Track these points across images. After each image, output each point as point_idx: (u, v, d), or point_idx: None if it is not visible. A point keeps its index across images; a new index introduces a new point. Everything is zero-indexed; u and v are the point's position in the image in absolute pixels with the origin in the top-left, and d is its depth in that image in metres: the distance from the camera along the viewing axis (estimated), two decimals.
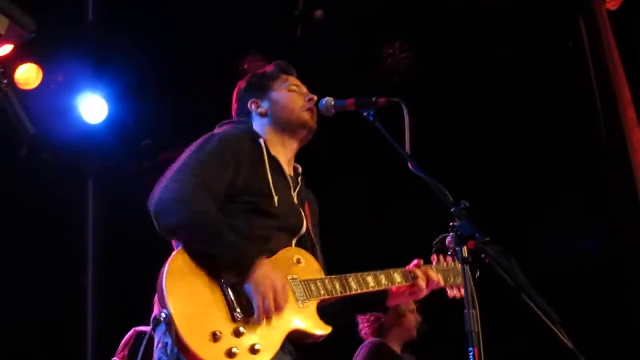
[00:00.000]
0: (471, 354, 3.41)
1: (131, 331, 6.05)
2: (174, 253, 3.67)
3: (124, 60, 8.46)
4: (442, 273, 4.43)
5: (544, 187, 8.07)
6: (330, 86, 4.45)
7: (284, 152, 4.27)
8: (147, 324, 6.05)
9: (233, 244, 3.66)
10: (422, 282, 4.29)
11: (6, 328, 7.84)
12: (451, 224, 3.88)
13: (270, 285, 3.62)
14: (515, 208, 7.95)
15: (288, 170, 4.26)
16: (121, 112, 8.71)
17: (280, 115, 4.29)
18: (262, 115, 4.32)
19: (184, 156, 3.95)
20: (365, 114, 4.14)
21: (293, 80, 4.42)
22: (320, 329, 3.89)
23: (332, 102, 4.28)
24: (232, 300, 3.62)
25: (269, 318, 3.63)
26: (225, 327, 3.56)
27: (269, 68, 4.48)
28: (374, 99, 4.15)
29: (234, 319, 3.59)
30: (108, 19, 8.53)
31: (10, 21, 2.41)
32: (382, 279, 4.20)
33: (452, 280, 4.51)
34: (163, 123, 8.87)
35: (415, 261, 4.40)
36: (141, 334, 5.96)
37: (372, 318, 7.04)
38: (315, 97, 4.34)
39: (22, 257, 8.14)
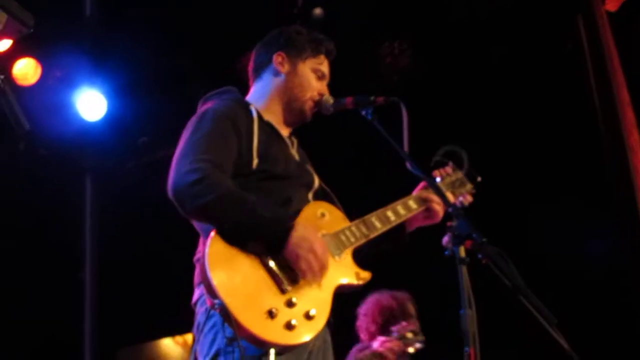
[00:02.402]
0: (467, 354, 3.41)
1: None
2: (209, 239, 3.65)
3: (123, 57, 8.45)
4: (449, 188, 4.49)
5: (543, 188, 8.07)
6: (329, 84, 4.44)
7: (278, 117, 4.28)
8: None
9: (264, 213, 3.68)
10: (436, 205, 4.34)
11: (2, 325, 7.84)
12: (448, 224, 3.90)
13: (309, 247, 3.67)
14: (513, 209, 7.94)
15: (284, 131, 4.27)
16: (120, 109, 8.69)
17: (292, 88, 4.30)
18: (278, 73, 4.32)
19: (185, 138, 3.95)
20: (363, 112, 4.14)
21: (326, 66, 4.41)
22: (363, 276, 3.99)
23: (331, 101, 4.30)
24: (277, 274, 3.66)
25: (315, 280, 3.69)
26: (278, 301, 3.62)
27: (318, 38, 4.44)
28: (372, 97, 4.15)
29: (283, 292, 3.65)
30: (106, 14, 8.52)
31: (8, 16, 2.40)
32: (400, 209, 4.27)
33: (459, 191, 4.59)
34: (161, 120, 8.85)
35: (422, 183, 4.44)
36: None
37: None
38: (327, 96, 4.34)
39: (20, 253, 8.14)
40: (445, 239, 3.79)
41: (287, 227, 3.68)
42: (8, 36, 2.53)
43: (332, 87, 4.43)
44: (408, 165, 3.90)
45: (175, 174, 3.77)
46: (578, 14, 7.87)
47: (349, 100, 4.23)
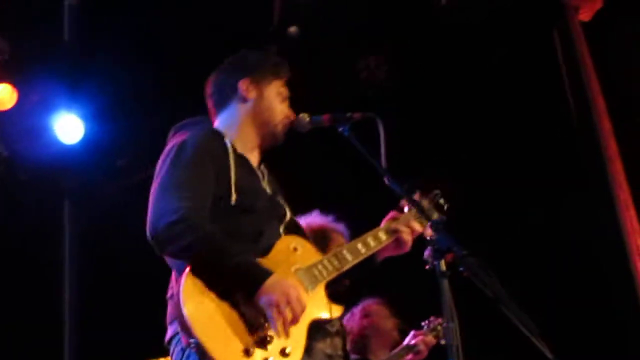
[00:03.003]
0: None
1: None
2: (183, 278, 3.63)
3: (100, 80, 8.42)
4: (417, 218, 4.43)
5: (521, 199, 8.07)
6: (306, 102, 4.44)
7: (250, 145, 4.26)
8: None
9: (240, 263, 3.66)
10: (405, 236, 4.33)
11: None
12: (429, 238, 3.91)
13: (283, 294, 3.63)
14: (490, 219, 7.95)
15: (255, 162, 4.25)
16: (97, 132, 8.66)
17: (261, 113, 4.27)
18: (245, 100, 4.28)
19: (163, 173, 3.91)
20: (340, 129, 4.14)
21: (286, 89, 4.38)
22: (335, 311, 3.99)
23: (308, 118, 4.29)
24: (249, 312, 3.64)
25: (286, 329, 3.64)
26: (253, 339, 3.60)
27: (278, 62, 4.44)
28: (349, 114, 4.15)
29: (259, 329, 3.63)
30: (83, 38, 8.51)
31: None
32: (371, 242, 4.25)
33: (426, 220, 4.51)
34: (139, 142, 8.84)
35: (390, 214, 4.44)
36: None
37: (355, 332, 7.03)
38: (294, 117, 4.33)
39: None
40: (427, 253, 3.80)
41: (261, 279, 3.64)
42: None
43: (308, 104, 4.43)
44: (386, 180, 3.90)
45: (154, 214, 3.74)
46: (553, 24, 7.93)
47: (325, 118, 4.23)
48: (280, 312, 3.60)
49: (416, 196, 4.35)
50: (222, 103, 4.34)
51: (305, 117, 4.29)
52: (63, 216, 9.23)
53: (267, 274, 3.66)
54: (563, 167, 7.94)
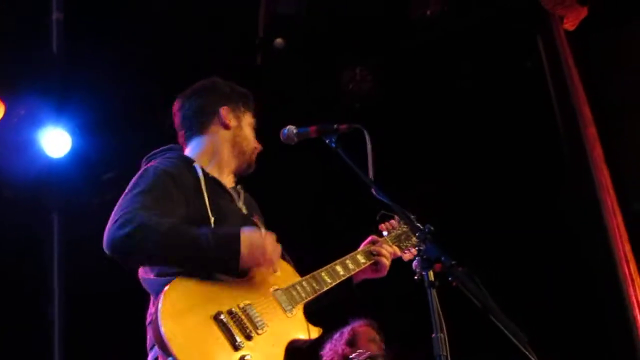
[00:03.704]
0: None
1: None
2: (160, 299, 3.62)
3: (87, 94, 8.42)
4: (395, 242, 4.51)
5: (507, 207, 8.08)
6: (292, 114, 4.47)
7: (226, 169, 4.31)
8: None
9: (210, 236, 3.70)
10: (383, 259, 4.39)
11: None
12: (417, 248, 3.92)
13: (258, 243, 3.74)
14: (477, 227, 7.95)
15: (229, 183, 4.28)
16: (84, 146, 8.65)
17: (240, 142, 4.34)
18: (226, 127, 4.33)
19: (121, 198, 3.90)
20: (327, 140, 4.16)
21: (253, 120, 4.46)
22: (313, 332, 3.99)
23: (295, 130, 4.30)
24: (230, 329, 3.64)
25: (275, 266, 3.81)
26: (231, 356, 3.60)
27: (248, 94, 4.49)
28: (335, 125, 4.17)
29: (236, 348, 3.63)
30: (71, 52, 8.50)
31: None
32: (349, 264, 4.29)
33: (404, 244, 4.58)
34: (126, 156, 8.82)
35: (369, 237, 4.49)
36: None
37: (339, 353, 7.04)
38: (291, 126, 4.35)
39: None
40: (415, 263, 3.81)
41: (237, 242, 3.71)
42: None
43: (295, 116, 4.45)
44: (373, 191, 3.90)
45: (109, 231, 3.72)
46: (537, 33, 7.97)
47: (312, 129, 4.24)
48: (265, 259, 3.76)
49: (394, 222, 4.47)
50: (199, 129, 4.35)
51: (292, 129, 4.30)
52: (52, 230, 9.20)
53: (237, 241, 3.72)
54: (549, 174, 7.96)
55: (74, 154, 8.57)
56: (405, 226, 4.49)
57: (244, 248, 3.70)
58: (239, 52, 8.17)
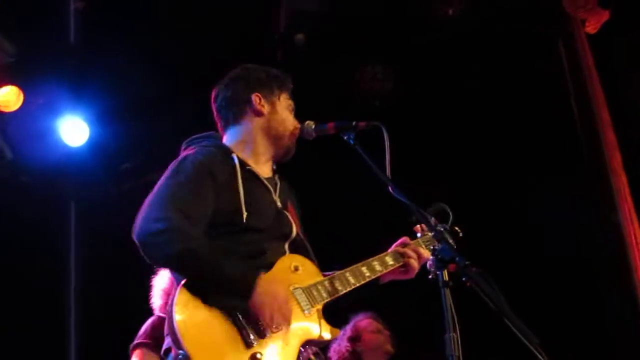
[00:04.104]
0: None
1: (155, 316, 5.95)
2: (177, 290, 3.65)
3: (105, 83, 8.44)
4: (428, 245, 4.40)
5: (524, 209, 8.05)
6: (311, 109, 4.45)
7: (263, 157, 4.27)
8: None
9: (225, 270, 3.67)
10: (413, 262, 4.27)
11: None
12: (432, 247, 3.91)
13: (273, 299, 3.64)
14: (491, 231, 7.93)
15: (266, 173, 4.25)
16: (102, 135, 8.68)
17: (276, 127, 4.27)
18: (259, 114, 4.27)
19: (159, 184, 3.92)
20: (345, 137, 4.14)
21: (291, 100, 4.40)
22: (329, 333, 3.95)
23: (313, 126, 4.27)
24: (244, 327, 3.63)
25: (278, 331, 3.66)
26: (243, 356, 3.60)
27: (283, 76, 4.44)
28: (354, 123, 4.14)
29: (248, 346, 3.62)
30: (89, 41, 8.53)
31: None
32: (376, 265, 4.21)
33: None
34: (143, 146, 8.86)
35: (401, 239, 4.39)
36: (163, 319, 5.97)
37: (343, 351, 7.03)
38: (309, 121, 4.32)
39: (4, 281, 8.10)
40: (429, 263, 3.80)
41: (250, 282, 3.66)
42: None
43: (314, 112, 4.44)
44: (390, 189, 3.89)
45: (143, 220, 3.74)
46: (559, 36, 7.94)
47: (330, 126, 4.21)
48: (273, 319, 3.63)
49: (432, 221, 4.21)
50: (233, 118, 4.31)
51: (310, 124, 4.28)
52: (69, 218, 9.24)
53: (255, 278, 3.67)
54: (567, 178, 7.93)
55: (91, 143, 8.61)
56: (440, 229, 4.40)
57: (259, 287, 3.66)
58: (259, 47, 8.17)
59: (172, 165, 4.00)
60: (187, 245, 3.66)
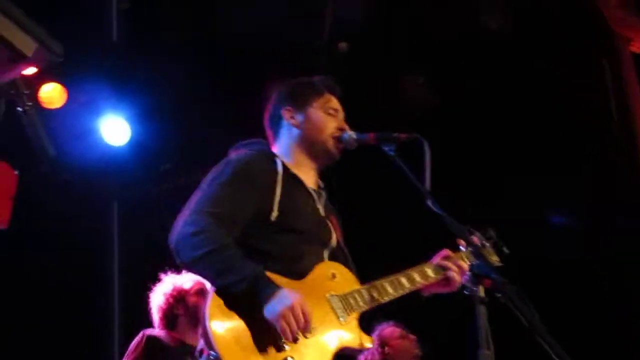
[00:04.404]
0: None
1: (140, 334, 6.11)
2: (211, 292, 3.68)
3: (147, 82, 8.50)
4: (469, 258, 4.33)
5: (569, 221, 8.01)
6: (351, 118, 4.45)
7: (305, 168, 4.28)
8: None
9: (247, 276, 3.65)
10: (454, 275, 4.23)
11: (26, 352, 7.84)
12: (469, 263, 3.90)
13: (288, 306, 3.61)
14: (534, 247, 7.89)
15: (312, 184, 4.27)
16: (143, 135, 8.73)
17: (310, 134, 4.29)
18: (293, 126, 4.31)
19: (201, 187, 3.97)
20: (386, 148, 4.13)
21: (334, 102, 4.40)
22: (365, 342, 3.93)
23: (354, 136, 4.27)
24: (276, 329, 3.62)
25: (295, 340, 3.62)
26: (274, 356, 3.61)
27: (317, 81, 4.45)
28: (395, 134, 4.14)
29: (279, 349, 3.63)
30: (132, 40, 8.59)
31: (38, 45, 2.44)
32: (416, 277, 4.20)
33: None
34: (184, 146, 8.90)
35: (443, 251, 4.36)
36: (151, 337, 6.10)
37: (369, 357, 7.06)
38: (347, 129, 4.33)
39: (48, 277, 8.16)
40: (465, 278, 3.78)
41: (268, 292, 3.64)
42: (35, 64, 2.55)
43: (355, 121, 4.44)
44: (429, 202, 3.87)
45: (180, 223, 3.80)
46: (603, 54, 7.90)
47: (371, 136, 4.21)
48: (289, 325, 3.59)
49: (475, 238, 4.22)
50: (274, 135, 4.39)
51: (352, 134, 4.29)
52: (111, 218, 9.30)
53: (273, 288, 3.66)
54: (607, 194, 7.89)
55: (133, 142, 8.66)
56: (487, 243, 4.36)
57: (275, 296, 3.64)
58: (302, 53, 8.18)
59: (216, 168, 4.05)
60: (213, 246, 3.68)
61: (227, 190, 3.90)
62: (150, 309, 6.39)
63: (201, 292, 6.26)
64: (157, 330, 6.26)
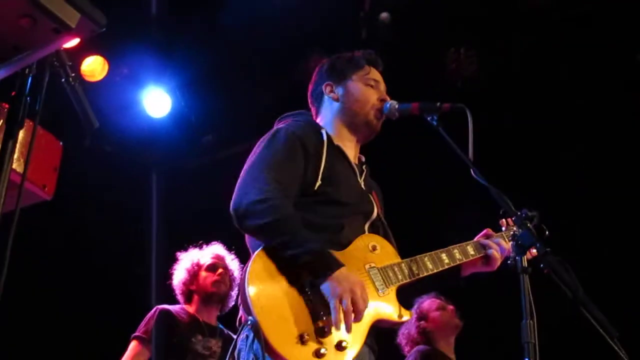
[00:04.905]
0: None
1: (154, 309, 6.21)
2: (253, 257, 3.70)
3: (188, 55, 8.52)
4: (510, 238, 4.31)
5: (612, 200, 7.94)
6: (394, 89, 4.44)
7: (348, 142, 4.30)
8: None
9: (314, 249, 3.67)
10: (495, 253, 4.25)
11: (69, 318, 7.94)
12: (512, 233, 3.87)
13: (349, 288, 3.61)
14: (576, 214, 7.84)
15: (353, 158, 4.28)
16: (184, 107, 8.76)
17: (350, 106, 4.31)
18: (334, 100, 4.35)
19: (255, 154, 3.99)
20: (429, 118, 4.12)
21: (375, 74, 4.41)
22: (403, 315, 3.93)
23: (397, 106, 4.26)
24: (311, 301, 3.64)
25: (347, 322, 3.61)
26: (311, 327, 3.61)
27: (357, 54, 4.46)
28: (438, 104, 4.12)
29: (318, 318, 3.63)
30: (172, 13, 8.61)
31: (81, 15, 2.44)
32: (456, 254, 4.20)
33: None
34: (224, 119, 8.92)
35: (485, 231, 4.39)
36: (162, 311, 6.24)
37: (413, 334, 7.06)
38: (389, 99, 4.34)
39: (87, 248, 8.25)
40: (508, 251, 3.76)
41: (331, 268, 3.65)
42: (79, 35, 2.56)
43: (397, 92, 4.42)
44: (472, 172, 3.85)
45: (241, 189, 3.83)
46: None
47: (414, 106, 4.20)
48: (342, 304, 3.58)
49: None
50: (317, 110, 4.43)
51: (394, 104, 4.28)
52: (150, 188, 9.38)
53: (338, 265, 3.67)
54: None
55: (174, 114, 8.70)
56: (528, 224, 4.32)
57: (337, 273, 3.64)
58: (343, 25, 8.15)
59: (266, 137, 4.07)
60: (279, 216, 3.70)
61: (283, 158, 3.93)
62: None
63: (212, 268, 6.37)
64: (173, 305, 6.37)
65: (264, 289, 3.63)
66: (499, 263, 4.28)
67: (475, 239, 4.35)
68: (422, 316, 7.04)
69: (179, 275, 6.49)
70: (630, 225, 7.78)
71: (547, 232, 3.79)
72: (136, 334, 6.24)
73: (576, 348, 6.89)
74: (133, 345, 6.23)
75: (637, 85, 7.82)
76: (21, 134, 2.65)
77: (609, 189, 7.93)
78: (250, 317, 3.55)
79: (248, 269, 3.65)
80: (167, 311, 6.26)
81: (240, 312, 3.79)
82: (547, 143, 8.15)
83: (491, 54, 8.22)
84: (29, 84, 2.68)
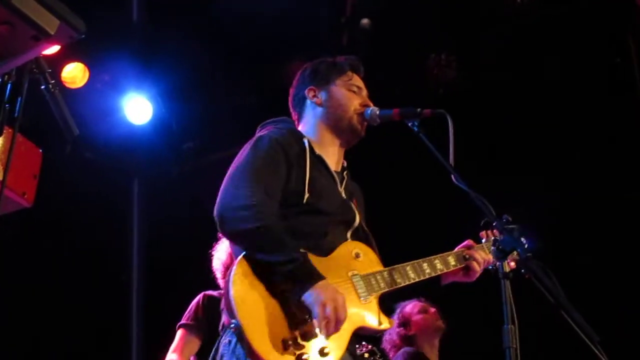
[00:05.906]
0: None
1: (200, 295, 6.09)
2: (236, 262, 3.70)
3: (169, 62, 8.51)
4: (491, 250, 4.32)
5: (589, 206, 7.96)
6: (375, 95, 4.44)
7: (331, 148, 4.30)
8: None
9: (296, 258, 3.68)
10: (475, 265, 4.29)
11: (49, 326, 7.90)
12: (493, 238, 3.88)
13: (331, 297, 3.62)
14: (557, 218, 7.86)
15: (335, 166, 4.28)
16: (165, 114, 8.75)
17: (335, 111, 4.31)
18: (317, 104, 4.35)
19: (239, 161, 3.99)
20: (410, 124, 4.13)
21: (357, 80, 4.42)
22: (383, 323, 3.95)
23: (378, 112, 4.27)
24: (297, 306, 3.65)
25: (329, 330, 3.61)
26: (294, 333, 3.63)
27: (340, 60, 4.47)
28: (419, 110, 4.13)
29: (301, 324, 3.64)
30: (153, 19, 8.59)
31: (60, 22, 2.44)
32: (438, 264, 4.24)
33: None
34: (206, 125, 8.91)
35: (466, 242, 4.41)
36: (207, 297, 6.07)
37: (395, 339, 7.05)
38: (372, 105, 4.34)
39: (67, 255, 8.21)
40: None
41: (313, 280, 3.65)
42: (58, 42, 2.55)
43: (379, 98, 4.42)
44: (453, 178, 3.86)
45: (224, 195, 3.83)
46: (628, 30, 7.83)
47: (395, 112, 4.21)
48: (325, 312, 3.59)
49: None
50: (299, 115, 4.42)
51: (375, 110, 4.28)
52: (131, 195, 9.35)
53: (319, 276, 3.68)
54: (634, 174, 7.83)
55: (155, 121, 8.69)
56: (503, 220, 4.33)
57: (320, 284, 3.65)
58: (324, 31, 8.16)
59: (249, 144, 4.07)
60: (262, 222, 3.71)
61: (266, 165, 3.94)
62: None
63: None
64: (218, 290, 6.21)
65: (249, 294, 3.63)
66: (479, 274, 4.32)
67: (457, 249, 4.37)
68: (404, 322, 7.02)
69: (220, 256, 6.16)
70: (611, 228, 7.80)
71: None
72: (182, 322, 6.07)
73: (558, 353, 6.89)
74: (180, 333, 6.03)
75: (617, 88, 7.87)
76: (0, 141, 2.64)
77: (591, 190, 7.95)
78: (233, 321, 3.56)
79: (232, 273, 3.66)
80: (213, 297, 6.11)
81: (223, 317, 3.80)
82: (529, 147, 8.16)
83: (471, 59, 8.24)
84: (8, 91, 2.67)
